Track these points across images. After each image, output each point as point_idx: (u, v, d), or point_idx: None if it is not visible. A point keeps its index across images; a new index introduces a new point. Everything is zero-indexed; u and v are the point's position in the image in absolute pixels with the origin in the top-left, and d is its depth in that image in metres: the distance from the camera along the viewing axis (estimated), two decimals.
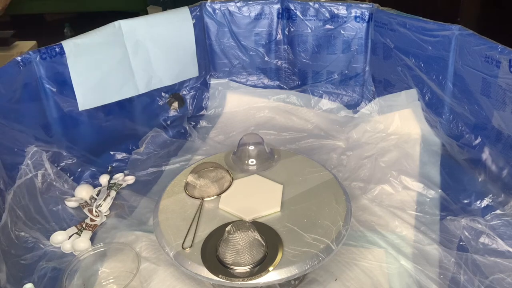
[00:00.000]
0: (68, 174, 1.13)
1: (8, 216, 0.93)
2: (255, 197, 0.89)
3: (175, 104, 1.39)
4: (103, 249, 0.87)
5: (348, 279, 0.85)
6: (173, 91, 1.38)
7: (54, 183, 1.08)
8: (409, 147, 1.19)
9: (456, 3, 2.16)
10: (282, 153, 1.03)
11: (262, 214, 0.85)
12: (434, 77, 1.14)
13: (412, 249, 0.91)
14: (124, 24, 1.20)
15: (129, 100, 1.27)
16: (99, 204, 1.04)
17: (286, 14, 1.36)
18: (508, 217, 0.94)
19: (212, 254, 0.77)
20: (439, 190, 1.05)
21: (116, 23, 1.19)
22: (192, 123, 1.40)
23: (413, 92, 1.22)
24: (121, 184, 1.13)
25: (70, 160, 1.15)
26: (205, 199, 0.90)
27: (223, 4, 1.36)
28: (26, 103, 1.06)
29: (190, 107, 1.42)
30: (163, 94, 1.36)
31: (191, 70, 1.38)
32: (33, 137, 1.07)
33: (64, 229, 0.99)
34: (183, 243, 0.80)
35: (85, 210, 1.04)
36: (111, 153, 1.24)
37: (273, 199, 0.88)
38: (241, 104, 1.45)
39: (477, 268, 0.86)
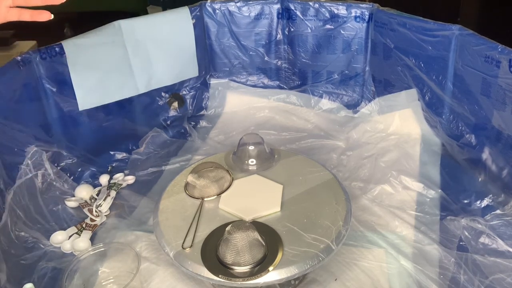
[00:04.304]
0: (68, 174, 1.13)
1: (8, 216, 0.93)
2: (255, 197, 0.89)
3: (175, 104, 1.39)
4: (103, 249, 0.87)
5: (348, 279, 0.85)
6: (173, 91, 1.38)
7: (54, 183, 1.08)
8: (409, 147, 1.19)
9: (456, 3, 2.16)
10: (282, 153, 1.03)
11: (262, 214, 0.85)
12: (434, 77, 1.14)
13: (412, 249, 0.91)
14: (124, 24, 1.20)
15: (129, 100, 1.27)
16: (99, 204, 1.04)
17: (286, 14, 1.36)
18: (508, 217, 0.94)
19: (212, 254, 0.77)
20: (439, 190, 1.05)
21: (116, 23, 1.19)
22: (192, 123, 1.40)
23: (413, 92, 1.22)
24: (121, 184, 1.13)
25: (70, 160, 1.15)
26: (205, 199, 0.90)
27: (223, 4, 1.36)
28: (26, 103, 1.06)
29: (190, 107, 1.42)
30: (163, 94, 1.36)
31: (191, 70, 1.38)
32: (33, 137, 1.07)
33: (64, 229, 0.99)
34: (183, 243, 0.80)
35: (85, 210, 1.04)
36: (111, 153, 1.24)
37: (273, 199, 0.88)
38: (241, 104, 1.45)
39: (477, 268, 0.86)
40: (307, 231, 0.81)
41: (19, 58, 1.05)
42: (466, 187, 1.07)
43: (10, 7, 0.66)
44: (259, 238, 0.76)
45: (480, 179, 1.08)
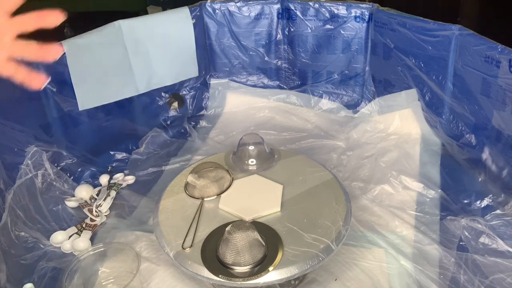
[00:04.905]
0: (68, 174, 1.13)
1: (8, 216, 0.93)
2: (255, 197, 0.89)
3: (175, 104, 1.39)
4: (103, 249, 0.87)
5: (348, 279, 0.85)
6: (173, 91, 1.38)
7: (54, 183, 1.08)
8: (409, 147, 1.19)
9: (456, 3, 2.15)
10: (282, 153, 1.03)
11: (262, 214, 0.85)
12: (434, 77, 1.14)
13: (412, 249, 0.91)
14: (124, 24, 1.20)
15: (129, 100, 1.27)
16: (99, 204, 1.04)
17: (286, 14, 1.36)
18: (508, 217, 0.94)
19: (212, 254, 0.77)
20: (439, 190, 1.05)
21: (116, 23, 1.19)
22: (192, 123, 1.40)
23: (413, 92, 1.22)
24: (121, 184, 1.13)
25: (70, 160, 1.15)
26: (205, 199, 0.90)
27: (223, 4, 1.36)
28: (26, 103, 1.06)
29: (190, 107, 1.42)
30: (163, 94, 1.36)
31: (191, 70, 1.38)
32: (33, 137, 1.07)
33: (64, 229, 0.99)
34: (183, 243, 0.80)
35: (85, 210, 1.04)
36: (111, 153, 1.24)
37: (273, 199, 0.88)
38: (241, 104, 1.45)
39: (477, 268, 0.86)
40: (307, 231, 0.81)
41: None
42: (466, 187, 1.07)
43: (6, 60, 0.61)
44: (259, 238, 0.76)
45: (480, 179, 1.08)
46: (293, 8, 1.34)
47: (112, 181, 1.14)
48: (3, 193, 0.95)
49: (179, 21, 1.30)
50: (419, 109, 1.23)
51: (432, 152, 1.19)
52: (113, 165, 1.22)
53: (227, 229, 0.75)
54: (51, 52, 0.61)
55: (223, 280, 0.73)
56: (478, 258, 0.87)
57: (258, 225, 0.80)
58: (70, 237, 0.97)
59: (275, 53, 1.42)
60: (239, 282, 0.73)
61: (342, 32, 1.32)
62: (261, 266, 0.74)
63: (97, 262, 0.87)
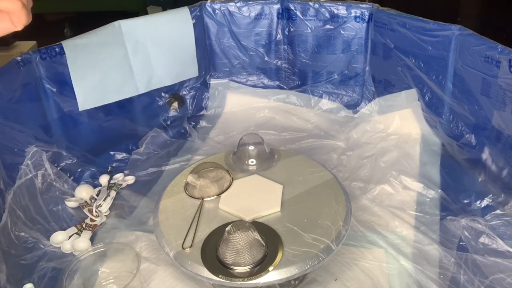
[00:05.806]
0: (68, 174, 1.13)
1: (8, 216, 0.93)
2: (255, 197, 0.89)
3: (175, 104, 1.39)
4: (103, 249, 0.87)
5: (348, 279, 0.85)
6: (173, 91, 1.38)
7: (54, 183, 1.08)
8: (409, 147, 1.19)
9: (456, 3, 2.16)
10: (282, 153, 1.03)
11: (262, 214, 0.85)
12: (434, 77, 1.14)
13: (412, 249, 0.91)
14: (124, 24, 1.20)
15: (129, 100, 1.27)
16: (99, 204, 1.04)
17: (286, 14, 1.36)
18: (508, 217, 0.94)
19: (212, 254, 0.77)
20: (439, 190, 1.05)
21: (116, 23, 1.19)
22: (192, 123, 1.40)
23: (413, 92, 1.22)
24: (121, 184, 1.13)
25: (70, 160, 1.15)
26: (205, 199, 0.90)
27: (223, 4, 1.36)
28: (26, 103, 1.06)
29: (190, 107, 1.42)
30: (163, 94, 1.36)
31: (191, 70, 1.38)
32: (33, 137, 1.07)
33: (64, 229, 0.99)
34: (183, 243, 0.80)
35: (85, 210, 1.04)
36: (111, 153, 1.24)
37: (273, 199, 0.88)
38: (241, 104, 1.45)
39: (477, 268, 0.86)
40: (307, 231, 0.81)
41: (19, 58, 1.05)
42: (466, 187, 1.07)
43: None
44: (259, 238, 0.76)
45: (480, 179, 1.08)
46: (293, 8, 1.34)
47: (112, 181, 1.15)
48: (3, 193, 0.95)
49: (179, 21, 1.30)
50: (419, 109, 1.23)
51: (432, 152, 1.19)
52: (113, 165, 1.22)
53: (227, 229, 0.75)
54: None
55: (223, 280, 0.73)
56: (478, 258, 0.87)
57: (258, 225, 0.80)
58: (70, 237, 0.97)
59: (275, 53, 1.42)
60: (239, 282, 0.73)
61: (342, 32, 1.32)
62: (261, 266, 0.75)
63: (97, 262, 0.87)
